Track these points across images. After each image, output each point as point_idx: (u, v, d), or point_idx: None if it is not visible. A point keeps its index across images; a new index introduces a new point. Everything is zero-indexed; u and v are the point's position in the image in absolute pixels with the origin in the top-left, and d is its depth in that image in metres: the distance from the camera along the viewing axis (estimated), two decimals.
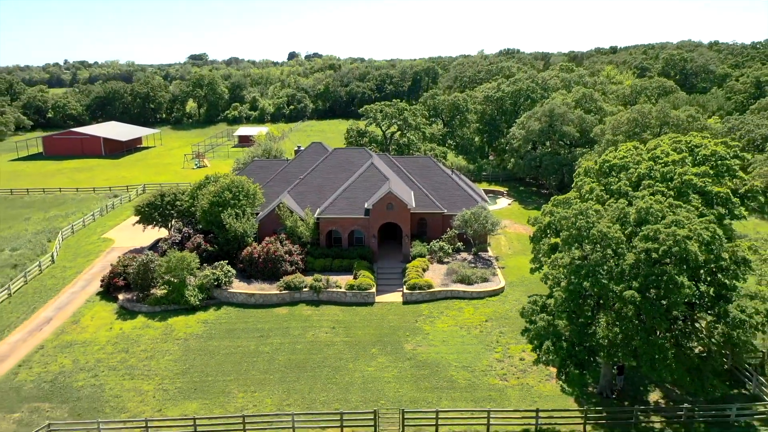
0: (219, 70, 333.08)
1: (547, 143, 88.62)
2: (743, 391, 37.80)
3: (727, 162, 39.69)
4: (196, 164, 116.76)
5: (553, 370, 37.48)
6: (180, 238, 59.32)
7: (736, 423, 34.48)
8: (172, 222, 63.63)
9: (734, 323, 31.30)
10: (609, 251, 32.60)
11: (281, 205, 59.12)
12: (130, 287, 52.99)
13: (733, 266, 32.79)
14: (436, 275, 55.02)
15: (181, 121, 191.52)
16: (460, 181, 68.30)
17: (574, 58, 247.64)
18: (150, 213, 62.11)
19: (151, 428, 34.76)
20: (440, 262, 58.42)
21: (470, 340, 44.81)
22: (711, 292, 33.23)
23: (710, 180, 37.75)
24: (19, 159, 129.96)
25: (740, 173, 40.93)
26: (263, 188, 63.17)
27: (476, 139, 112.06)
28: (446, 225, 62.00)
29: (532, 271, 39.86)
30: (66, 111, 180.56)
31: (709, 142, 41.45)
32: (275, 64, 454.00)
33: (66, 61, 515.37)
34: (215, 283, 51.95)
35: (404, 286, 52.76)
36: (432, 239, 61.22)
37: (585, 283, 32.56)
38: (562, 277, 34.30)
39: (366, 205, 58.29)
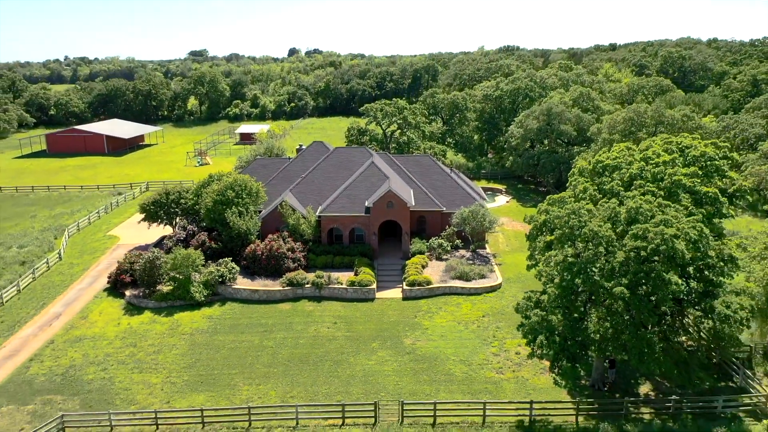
0: (219, 67, 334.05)
1: (545, 141, 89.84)
2: (730, 384, 39.15)
3: (716, 162, 41.02)
4: (198, 162, 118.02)
5: (547, 363, 38.79)
6: (184, 236, 60.64)
7: (722, 414, 35.81)
8: (177, 219, 64.97)
9: (720, 318, 32.67)
10: (601, 249, 33.93)
11: (284, 203, 60.43)
12: (136, 284, 54.34)
13: (720, 263, 34.18)
14: (434, 272, 56.36)
15: (182, 118, 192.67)
16: (459, 180, 69.62)
17: (573, 55, 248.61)
18: (155, 211, 63.43)
19: (161, 419, 36.16)
20: (439, 259, 59.76)
21: (468, 335, 46.18)
22: (699, 289, 34.59)
23: (699, 180, 39.08)
24: (22, 156, 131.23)
25: (730, 173, 42.27)
26: (266, 186, 64.49)
27: (475, 137, 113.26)
28: (445, 222, 63.34)
29: (529, 267, 41.17)
30: (68, 108, 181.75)
31: (699, 143, 42.76)
32: (275, 60, 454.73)
33: (66, 57, 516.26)
34: (220, 280, 53.30)
35: (404, 283, 54.11)
36: (431, 236, 62.56)
37: (577, 279, 33.91)
38: (556, 274, 35.63)
39: (366, 204, 59.60)
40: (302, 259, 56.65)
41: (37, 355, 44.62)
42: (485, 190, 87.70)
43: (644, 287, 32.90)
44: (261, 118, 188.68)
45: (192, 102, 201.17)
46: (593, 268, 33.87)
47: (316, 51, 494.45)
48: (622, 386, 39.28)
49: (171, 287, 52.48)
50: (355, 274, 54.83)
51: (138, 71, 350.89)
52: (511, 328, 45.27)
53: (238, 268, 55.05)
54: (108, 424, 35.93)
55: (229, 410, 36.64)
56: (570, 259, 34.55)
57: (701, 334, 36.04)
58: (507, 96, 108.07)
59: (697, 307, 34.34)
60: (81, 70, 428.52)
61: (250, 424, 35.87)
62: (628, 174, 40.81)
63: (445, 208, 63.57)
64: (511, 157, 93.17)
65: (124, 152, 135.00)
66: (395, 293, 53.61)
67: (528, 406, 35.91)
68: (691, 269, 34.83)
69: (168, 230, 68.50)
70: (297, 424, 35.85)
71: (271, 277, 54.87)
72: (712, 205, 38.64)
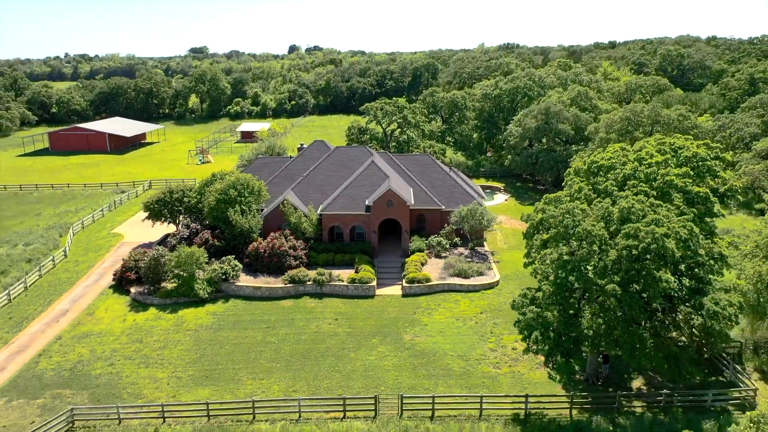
0: (220, 64, 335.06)
1: (543, 140, 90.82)
2: (720, 379, 40.26)
3: (708, 163, 42.07)
4: (200, 160, 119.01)
5: (542, 358, 39.88)
6: (188, 234, 61.72)
7: (712, 408, 36.93)
8: (180, 218, 66.02)
9: (709, 315, 33.76)
10: (594, 247, 35.02)
11: (285, 201, 61.49)
12: (141, 281, 55.43)
13: (710, 261, 35.26)
14: (433, 269, 57.45)
15: (183, 116, 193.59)
16: (458, 178, 70.66)
17: (573, 53, 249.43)
18: (159, 209, 64.46)
19: (167, 412, 37.27)
20: (438, 256, 60.83)
21: (466, 331, 47.30)
22: (690, 286, 35.66)
23: (691, 180, 40.12)
24: (25, 155, 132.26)
25: (721, 173, 43.32)
26: (267, 185, 65.54)
27: (475, 135, 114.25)
28: (444, 221, 64.41)
29: (526, 265, 42.16)
30: (70, 106, 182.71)
31: (692, 144, 43.80)
32: (276, 57, 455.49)
33: (67, 54, 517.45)
34: (223, 277, 54.40)
35: (403, 280, 55.20)
36: (430, 234, 63.62)
37: (571, 277, 35.03)
38: (550, 271, 36.69)
39: (367, 202, 60.66)
40: (304, 256, 57.71)
41: (45, 350, 45.72)
42: (484, 188, 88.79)
43: (636, 285, 33.99)
44: (262, 116, 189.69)
45: (193, 100, 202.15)
46: (587, 266, 34.98)
47: (316, 48, 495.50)
48: (616, 381, 40.38)
49: (175, 284, 53.56)
50: (356, 272, 55.90)
51: (139, 68, 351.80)
52: (508, 325, 46.39)
53: (240, 266, 56.13)
54: (116, 417, 37.04)
55: (234, 404, 37.74)
56: (565, 257, 35.59)
57: (693, 330, 37.14)
58: (506, 95, 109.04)
59: (687, 304, 35.43)
60: (81, 67, 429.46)
61: (254, 417, 37.01)
62: (621, 174, 41.83)
63: (444, 207, 64.61)
64: (509, 156, 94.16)
65: (126, 150, 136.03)
66: (395, 290, 54.70)
67: (523, 399, 37.05)
68: (682, 267, 35.92)
69: (171, 228, 69.58)
70: (299, 417, 37.00)
71: (274, 275, 55.94)
72: (703, 204, 39.67)
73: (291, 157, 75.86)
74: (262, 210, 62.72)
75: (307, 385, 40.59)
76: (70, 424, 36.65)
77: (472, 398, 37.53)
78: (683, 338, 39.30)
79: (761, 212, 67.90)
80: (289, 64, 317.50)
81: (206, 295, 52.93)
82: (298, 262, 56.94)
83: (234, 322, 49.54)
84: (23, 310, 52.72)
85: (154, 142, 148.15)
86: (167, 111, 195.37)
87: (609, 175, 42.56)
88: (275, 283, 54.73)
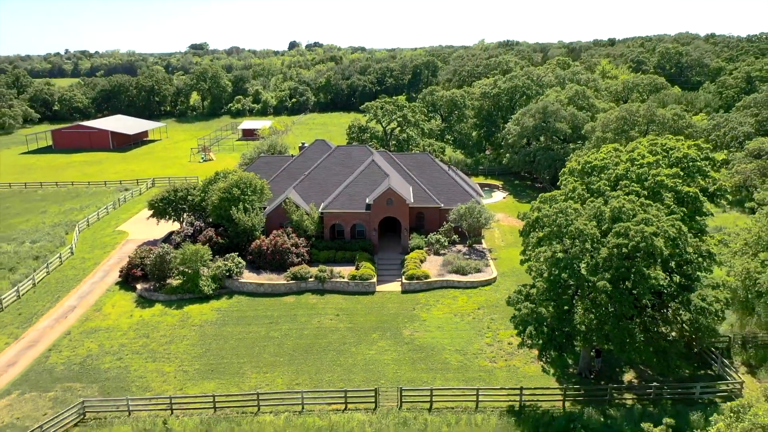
0: (220, 60, 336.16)
1: (541, 139, 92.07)
2: (709, 372, 41.66)
3: (698, 163, 43.37)
4: (202, 158, 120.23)
5: (537, 353, 41.23)
6: (192, 231, 63.04)
7: (699, 400, 38.34)
8: (184, 216, 67.34)
9: (696, 310, 35.12)
10: (587, 246, 36.34)
11: (287, 200, 62.79)
12: (147, 277, 56.80)
13: (698, 259, 36.61)
14: (432, 266, 58.79)
15: (185, 113, 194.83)
16: (456, 177, 71.93)
17: (572, 50, 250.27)
18: (163, 207, 65.81)
19: (175, 404, 38.65)
20: (437, 253, 62.16)
21: (463, 326, 48.68)
22: (680, 282, 37.00)
23: (681, 180, 41.43)
24: (29, 152, 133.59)
25: (711, 173, 44.64)
26: (270, 184, 66.84)
27: (474, 134, 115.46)
28: (443, 219, 65.72)
29: (522, 262, 43.46)
30: (72, 104, 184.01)
31: (683, 144, 45.09)
32: (276, 53, 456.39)
33: (67, 51, 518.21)
34: (227, 274, 55.74)
35: (403, 277, 56.55)
36: (429, 232, 64.95)
37: (564, 274, 36.39)
38: (545, 268, 38.04)
39: (367, 201, 61.96)
40: (305, 254, 59.06)
41: (55, 345, 47.07)
42: (483, 186, 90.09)
43: (626, 282, 35.32)
44: (263, 113, 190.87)
45: (194, 97, 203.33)
46: (579, 264, 36.33)
47: (316, 44, 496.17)
48: (608, 374, 41.76)
49: (180, 281, 54.91)
50: (357, 269, 57.24)
51: (139, 65, 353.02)
52: (505, 320, 47.75)
53: (244, 263, 57.46)
54: (126, 408, 38.42)
55: (239, 396, 39.14)
56: (558, 255, 36.93)
57: (684, 325, 38.48)
58: (504, 94, 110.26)
59: (676, 300, 36.76)
60: (82, 63, 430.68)
61: (258, 409, 38.41)
62: (614, 174, 43.13)
63: (442, 205, 65.92)
64: (508, 154, 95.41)
65: (128, 148, 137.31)
66: (395, 287, 56.05)
67: (518, 392, 38.42)
68: (673, 264, 37.25)
69: (176, 226, 70.87)
70: (302, 408, 38.41)
71: (276, 272, 57.29)
72: (692, 203, 40.97)
73: (292, 155, 77.10)
74: (264, 208, 64.01)
75: (309, 378, 41.97)
76: (82, 416, 38.05)
77: (468, 391, 38.91)
78: (673, 333, 40.65)
79: (753, 210, 69.17)
80: (290, 60, 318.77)
81: (211, 292, 54.26)
82: (300, 259, 58.28)
83: (238, 317, 50.90)
84: (32, 306, 54.06)
85: (156, 140, 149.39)
86: (169, 108, 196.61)
87: (602, 175, 43.86)
88: (278, 279, 56.06)
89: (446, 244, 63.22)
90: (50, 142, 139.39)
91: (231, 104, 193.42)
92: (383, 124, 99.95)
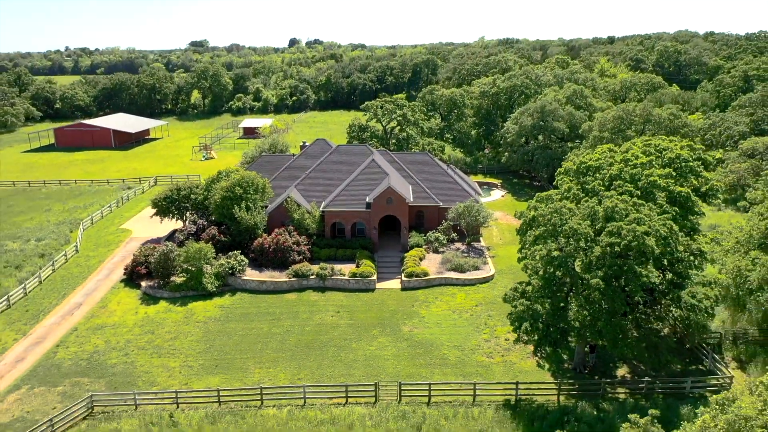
0: (220, 58, 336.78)
1: (539, 137, 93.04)
2: (700, 367, 42.75)
3: (690, 164, 44.43)
4: (204, 156, 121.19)
5: (533, 348, 42.33)
6: (195, 230, 64.07)
7: (690, 394, 39.42)
8: (187, 214, 68.36)
9: (686, 307, 36.23)
10: (581, 244, 37.43)
11: (289, 199, 63.84)
12: (151, 275, 57.87)
13: (689, 257, 37.72)
14: (431, 264, 59.87)
15: (186, 111, 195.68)
16: (455, 176, 72.96)
17: (571, 48, 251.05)
18: (167, 206, 66.84)
19: (181, 398, 39.77)
20: (436, 251, 63.24)
21: (461, 323, 49.79)
22: (672, 280, 38.09)
23: (673, 180, 42.49)
24: (31, 150, 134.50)
25: (704, 173, 45.71)
26: (271, 182, 67.85)
27: (473, 132, 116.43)
28: (442, 217, 66.79)
29: (519, 260, 44.56)
30: (74, 102, 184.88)
31: (676, 145, 46.14)
32: (276, 50, 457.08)
33: (67, 48, 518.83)
34: (230, 271, 56.83)
35: (402, 274, 57.63)
36: (428, 230, 66.02)
37: (558, 272, 37.50)
38: (540, 266, 39.12)
39: (367, 199, 63.01)
40: (307, 251, 60.13)
41: (62, 341, 48.19)
42: (481, 184, 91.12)
43: (619, 279, 36.41)
44: (263, 111, 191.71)
45: (195, 95, 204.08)
46: (573, 262, 37.42)
47: (316, 41, 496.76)
48: (602, 369, 42.85)
49: (184, 278, 56.02)
50: (357, 266, 58.30)
51: (139, 62, 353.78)
52: (502, 317, 48.83)
53: (246, 261, 58.53)
54: (133, 402, 39.55)
55: (243, 390, 40.28)
56: (553, 253, 38.00)
57: (677, 322, 39.61)
58: (503, 93, 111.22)
59: (667, 297, 37.87)
60: (82, 61, 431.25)
61: (262, 403, 39.53)
62: (608, 175, 44.18)
63: (442, 204, 66.97)
64: (506, 153, 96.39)
65: (130, 146, 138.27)
66: (394, 284, 57.15)
67: (514, 386, 39.50)
68: (665, 261, 38.34)
69: (179, 224, 71.91)
70: (305, 402, 39.54)
71: (278, 269, 58.38)
72: (684, 203, 42.03)
73: (293, 154, 78.10)
74: (266, 207, 65.03)
75: (311, 373, 43.09)
76: (90, 410, 39.18)
77: (466, 385, 40.03)
78: (665, 330, 41.78)
79: (746, 209, 70.29)
80: (290, 58, 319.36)
81: (214, 289, 55.35)
82: (301, 257, 59.36)
83: (241, 314, 52.00)
84: (39, 303, 55.15)
85: (157, 138, 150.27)
86: (170, 107, 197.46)
87: (597, 176, 44.94)
88: (280, 277, 57.14)
89: (445, 242, 64.30)
90: (52, 140, 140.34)
91: (232, 102, 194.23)
92: (383, 123, 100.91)
